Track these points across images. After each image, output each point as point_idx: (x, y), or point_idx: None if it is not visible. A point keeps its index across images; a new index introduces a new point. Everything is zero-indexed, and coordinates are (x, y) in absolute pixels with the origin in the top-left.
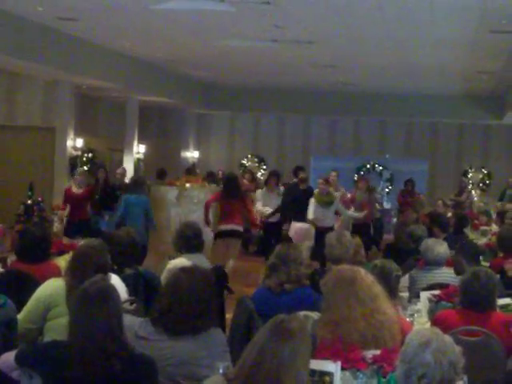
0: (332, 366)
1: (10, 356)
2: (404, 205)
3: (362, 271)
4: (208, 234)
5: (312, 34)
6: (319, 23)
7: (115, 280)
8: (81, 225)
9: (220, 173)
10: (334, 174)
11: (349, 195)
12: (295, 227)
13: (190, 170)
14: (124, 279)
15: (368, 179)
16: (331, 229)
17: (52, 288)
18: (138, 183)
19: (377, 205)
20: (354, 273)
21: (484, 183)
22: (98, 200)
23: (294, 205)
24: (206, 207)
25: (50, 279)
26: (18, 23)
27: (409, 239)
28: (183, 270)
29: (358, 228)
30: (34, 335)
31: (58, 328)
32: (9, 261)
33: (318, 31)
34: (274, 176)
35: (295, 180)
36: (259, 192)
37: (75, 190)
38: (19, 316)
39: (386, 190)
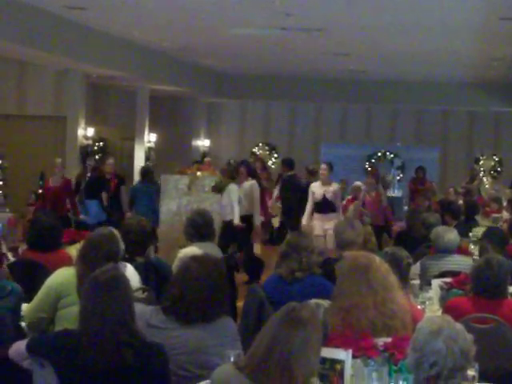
0: (343, 354)
1: (21, 345)
2: (415, 192)
3: (378, 259)
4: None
5: (322, 21)
6: (329, 11)
7: (129, 269)
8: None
9: (232, 161)
10: (323, 166)
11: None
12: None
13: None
14: (135, 268)
15: (377, 172)
16: (230, 223)
17: (63, 277)
18: (144, 173)
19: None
20: (369, 260)
21: (495, 170)
22: (83, 189)
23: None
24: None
25: (60, 268)
26: (27, 12)
27: (422, 227)
28: (194, 258)
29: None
30: (45, 324)
31: (69, 317)
32: (20, 250)
33: (329, 19)
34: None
35: (291, 173)
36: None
37: (52, 182)
38: (30, 305)
39: (398, 177)
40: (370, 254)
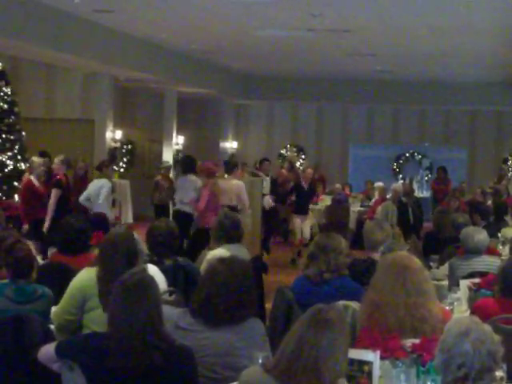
0: (371, 356)
1: (50, 348)
2: (438, 192)
3: (419, 264)
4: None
5: (349, 22)
6: (356, 11)
7: (153, 271)
8: (36, 226)
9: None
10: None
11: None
12: None
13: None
14: (163, 270)
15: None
16: None
17: (87, 278)
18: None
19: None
20: (409, 261)
21: None
22: None
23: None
24: None
25: (83, 269)
26: (55, 16)
27: (450, 227)
28: (221, 260)
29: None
30: (73, 327)
31: (96, 321)
32: (49, 253)
33: (355, 19)
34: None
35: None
36: None
37: (37, 183)
38: (57, 308)
39: (426, 178)
40: (413, 256)
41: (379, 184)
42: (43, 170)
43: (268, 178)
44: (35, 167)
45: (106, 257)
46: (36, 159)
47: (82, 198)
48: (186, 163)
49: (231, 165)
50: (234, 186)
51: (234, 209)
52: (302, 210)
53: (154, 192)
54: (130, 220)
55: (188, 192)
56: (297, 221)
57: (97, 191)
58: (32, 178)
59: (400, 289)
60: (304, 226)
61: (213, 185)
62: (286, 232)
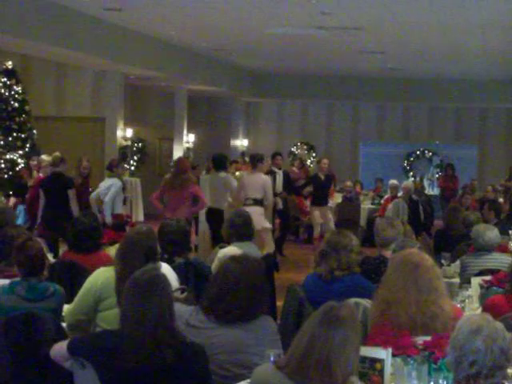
0: (383, 353)
1: (62, 345)
2: (446, 189)
3: (430, 262)
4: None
5: (359, 20)
6: (366, 9)
7: (165, 268)
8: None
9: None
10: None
11: None
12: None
13: None
14: (175, 268)
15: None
16: None
17: (102, 278)
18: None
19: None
20: (421, 259)
21: None
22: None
23: None
24: None
25: (99, 268)
26: (65, 14)
27: (461, 225)
28: (233, 258)
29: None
30: (85, 326)
31: (110, 320)
32: (60, 251)
33: (365, 17)
34: None
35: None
36: None
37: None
38: (70, 307)
39: (436, 175)
40: (424, 254)
41: (393, 182)
42: (51, 169)
43: (281, 172)
44: (44, 166)
45: (125, 255)
46: (45, 158)
47: (91, 196)
48: (218, 161)
49: (257, 158)
50: (260, 180)
51: (258, 202)
52: (322, 201)
53: None
54: (141, 218)
55: (219, 189)
56: (316, 213)
57: (105, 190)
58: (41, 176)
59: (411, 286)
60: (326, 217)
61: (181, 180)
62: (296, 229)
